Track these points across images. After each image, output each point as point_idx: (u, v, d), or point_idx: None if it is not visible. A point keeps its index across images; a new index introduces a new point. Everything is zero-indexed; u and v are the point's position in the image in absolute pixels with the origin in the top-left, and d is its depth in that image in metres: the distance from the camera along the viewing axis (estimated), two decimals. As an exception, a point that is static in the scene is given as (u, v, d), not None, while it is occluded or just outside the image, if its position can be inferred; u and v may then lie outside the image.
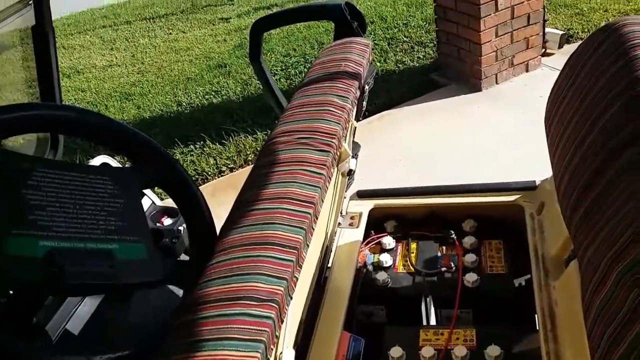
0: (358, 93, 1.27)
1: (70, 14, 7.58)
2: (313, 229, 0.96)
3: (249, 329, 0.76)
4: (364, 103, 1.45)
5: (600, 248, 0.77)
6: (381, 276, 1.38)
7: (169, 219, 1.66)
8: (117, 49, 6.05)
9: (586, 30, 4.11)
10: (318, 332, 1.18)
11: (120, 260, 0.81)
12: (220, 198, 3.00)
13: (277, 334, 0.79)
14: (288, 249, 0.87)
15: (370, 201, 1.56)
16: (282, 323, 0.82)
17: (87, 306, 1.13)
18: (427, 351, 1.18)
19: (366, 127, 3.39)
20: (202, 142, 3.73)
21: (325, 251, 1.35)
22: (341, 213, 1.52)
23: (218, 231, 0.98)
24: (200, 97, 4.48)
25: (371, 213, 1.53)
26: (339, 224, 1.50)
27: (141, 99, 4.66)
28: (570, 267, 1.10)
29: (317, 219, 0.98)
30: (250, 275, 0.82)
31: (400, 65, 4.24)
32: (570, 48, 3.91)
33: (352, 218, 1.51)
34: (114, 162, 1.59)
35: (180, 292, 1.08)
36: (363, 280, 1.40)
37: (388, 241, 1.49)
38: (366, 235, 1.50)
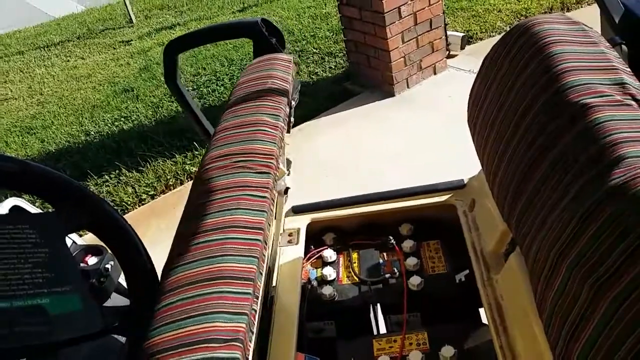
0: (287, 110, 1.25)
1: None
2: (264, 256, 0.92)
3: None
4: (292, 118, 1.43)
5: (546, 241, 0.79)
6: (327, 290, 1.36)
7: (93, 257, 1.55)
8: (12, 81, 5.65)
9: (484, 30, 4.35)
10: (272, 358, 1.14)
11: (54, 315, 0.73)
12: (143, 229, 2.86)
13: None
14: (244, 281, 0.82)
15: (306, 216, 1.54)
16: None
17: None
18: None
19: (288, 140, 3.38)
20: (117, 171, 3.55)
21: (269, 272, 1.31)
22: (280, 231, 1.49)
23: (160, 270, 0.92)
24: (109, 125, 4.27)
25: (309, 228, 1.51)
26: (279, 242, 1.47)
27: (44, 131, 4.37)
28: (511, 260, 1.14)
29: (266, 244, 0.94)
30: (208, 315, 0.76)
31: (313, 77, 4.27)
32: (471, 49, 4.13)
33: (290, 235, 1.48)
34: (27, 205, 1.47)
35: (122, 339, 1.00)
36: (309, 296, 1.37)
37: (329, 254, 1.47)
38: (306, 250, 1.47)
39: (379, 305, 1.35)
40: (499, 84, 1.10)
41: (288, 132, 1.48)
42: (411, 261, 1.40)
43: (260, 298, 1.18)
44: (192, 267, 0.85)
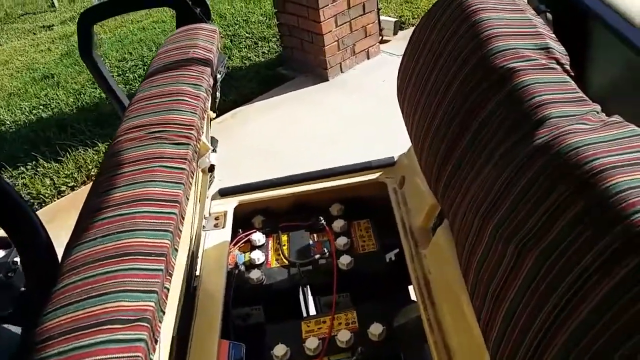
0: (211, 81, 1.17)
1: None
2: (180, 231, 0.84)
3: (118, 357, 0.63)
4: (218, 94, 1.35)
5: (471, 206, 0.77)
6: (255, 275, 1.30)
7: (0, 250, 1.42)
8: None
9: (416, 16, 4.38)
10: (194, 346, 1.07)
11: None
12: (61, 222, 2.68)
13: (152, 356, 0.67)
14: (154, 257, 0.75)
15: (233, 198, 1.46)
16: (156, 344, 0.70)
17: None
18: (311, 342, 1.13)
19: (220, 125, 3.27)
20: (34, 162, 3.31)
21: (192, 257, 1.23)
22: (205, 215, 1.41)
23: (61, 253, 0.82)
24: (26, 113, 3.99)
25: (236, 210, 1.44)
26: (204, 226, 1.39)
27: (-47, 121, 4.03)
28: (438, 234, 1.12)
29: (183, 219, 0.86)
30: (112, 294, 0.68)
31: (245, 62, 4.16)
32: (404, 34, 4.15)
33: (216, 219, 1.40)
34: None
35: (19, 330, 0.90)
36: (236, 282, 1.30)
37: (258, 237, 1.41)
38: (234, 234, 1.40)
39: (308, 287, 1.30)
40: (427, 54, 1.07)
41: (214, 109, 1.40)
42: (341, 241, 1.36)
43: (182, 282, 1.10)
44: (96, 243, 0.76)
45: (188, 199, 0.91)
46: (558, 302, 0.54)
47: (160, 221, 0.81)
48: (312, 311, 1.31)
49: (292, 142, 3.16)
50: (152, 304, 0.70)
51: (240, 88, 3.76)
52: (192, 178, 0.96)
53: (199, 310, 1.15)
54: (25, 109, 4.06)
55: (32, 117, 3.94)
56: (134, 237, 0.77)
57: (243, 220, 1.46)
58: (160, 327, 0.72)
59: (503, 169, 0.71)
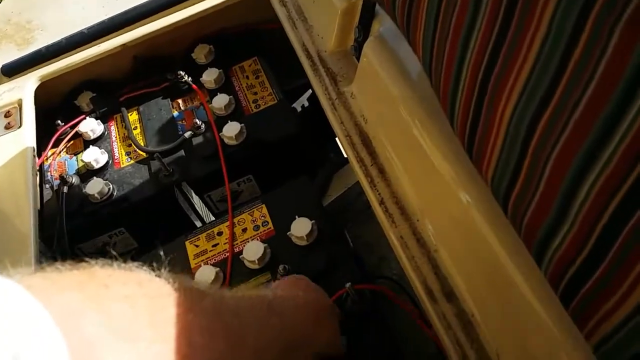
0: None
1: None
2: None
3: None
4: None
5: None
6: (96, 186, 0.82)
7: None
8: None
9: None
10: None
11: None
12: None
13: None
14: None
15: (29, 75, 0.91)
16: None
17: None
18: (203, 274, 0.70)
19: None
20: None
21: None
22: None
23: None
24: None
25: (40, 92, 0.90)
26: None
27: None
28: (366, 54, 0.66)
29: None
30: None
31: None
32: None
33: (6, 115, 0.86)
34: None
35: None
36: (71, 204, 0.82)
37: (90, 126, 0.90)
38: (46, 131, 0.89)
39: (186, 184, 0.83)
40: None
41: None
42: (221, 100, 0.88)
43: None
44: None
45: None
46: None
47: None
48: (210, 218, 0.86)
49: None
50: None
51: None
52: None
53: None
54: None
55: None
56: None
57: (58, 106, 0.93)
58: None
59: None
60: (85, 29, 0.93)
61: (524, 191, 0.35)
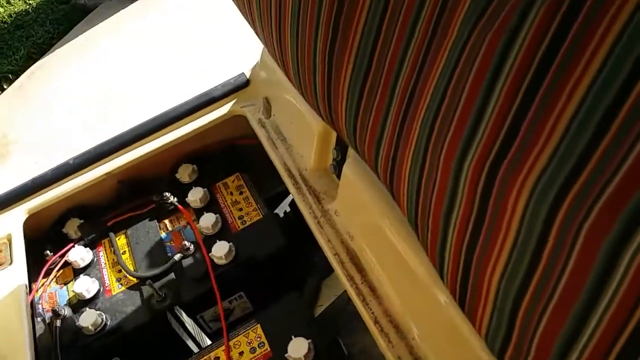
0: None
1: None
2: None
3: None
4: None
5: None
6: (88, 318, 0.82)
7: None
8: None
9: None
10: None
11: None
12: None
13: None
14: None
15: (18, 208, 0.92)
16: None
17: None
18: None
19: (17, 92, 2.52)
20: None
21: None
22: None
23: None
24: None
25: (29, 225, 0.91)
26: None
27: None
28: (346, 175, 0.71)
29: None
30: None
31: (30, 2, 3.27)
32: None
33: (-4, 252, 0.87)
34: None
35: None
36: (64, 338, 0.81)
37: (79, 254, 0.91)
38: (34, 259, 0.89)
39: (179, 308, 0.85)
40: None
41: None
42: (208, 220, 0.91)
43: None
44: None
45: None
46: None
47: None
48: (205, 340, 0.87)
49: (117, 90, 2.50)
50: None
51: (33, 35, 2.94)
52: None
53: None
54: None
55: None
56: None
57: (46, 235, 0.94)
58: None
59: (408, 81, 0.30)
60: (70, 159, 0.96)
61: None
